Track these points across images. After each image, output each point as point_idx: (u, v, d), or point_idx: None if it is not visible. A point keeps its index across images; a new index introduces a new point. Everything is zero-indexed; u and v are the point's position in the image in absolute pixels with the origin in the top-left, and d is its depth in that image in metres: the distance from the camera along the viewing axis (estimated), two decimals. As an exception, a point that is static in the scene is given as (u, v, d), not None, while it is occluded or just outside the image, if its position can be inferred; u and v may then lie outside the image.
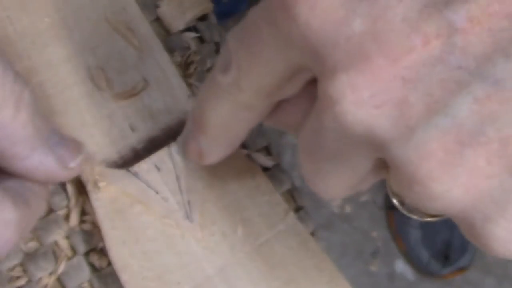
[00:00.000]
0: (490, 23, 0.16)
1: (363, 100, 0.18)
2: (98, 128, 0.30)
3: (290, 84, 0.22)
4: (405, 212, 0.23)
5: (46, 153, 0.25)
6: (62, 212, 0.29)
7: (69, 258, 0.28)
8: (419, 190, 0.18)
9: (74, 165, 0.26)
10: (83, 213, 0.29)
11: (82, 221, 0.29)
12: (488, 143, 0.17)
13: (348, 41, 0.18)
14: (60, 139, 0.26)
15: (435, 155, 0.17)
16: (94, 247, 0.29)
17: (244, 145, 0.31)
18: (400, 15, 0.17)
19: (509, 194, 0.17)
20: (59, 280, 0.28)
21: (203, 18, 0.33)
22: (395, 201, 0.23)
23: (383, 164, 0.20)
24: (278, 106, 0.23)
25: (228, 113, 0.23)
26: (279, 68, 0.21)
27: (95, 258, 0.28)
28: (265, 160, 0.30)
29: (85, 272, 0.28)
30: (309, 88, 0.22)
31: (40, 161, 0.25)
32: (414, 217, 0.23)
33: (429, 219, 0.23)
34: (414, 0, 0.17)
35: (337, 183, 0.22)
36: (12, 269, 0.28)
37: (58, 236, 0.29)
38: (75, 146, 0.26)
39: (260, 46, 0.20)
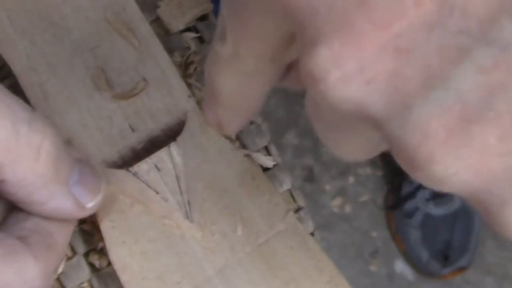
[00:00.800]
0: None
1: (350, 75, 0.16)
2: (98, 128, 0.30)
3: (295, 46, 0.19)
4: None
5: (64, 197, 0.24)
6: (62, 212, 0.29)
7: (69, 258, 0.28)
8: (421, 175, 0.16)
9: (91, 205, 0.25)
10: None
11: (82, 221, 0.29)
12: (498, 118, 0.15)
13: (330, 8, 0.15)
14: (80, 177, 0.25)
15: (437, 135, 0.15)
16: (94, 247, 0.29)
17: (244, 145, 0.31)
18: None
19: None
20: (58, 280, 0.28)
21: (203, 18, 0.33)
22: None
23: None
24: (289, 68, 0.21)
25: (237, 82, 0.22)
26: (273, 34, 0.19)
27: (95, 258, 0.28)
28: (265, 160, 0.30)
29: (85, 272, 0.28)
30: None
31: (58, 206, 0.24)
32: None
33: None
34: None
35: (351, 149, 0.20)
36: (12, 269, 0.28)
37: (58, 236, 0.29)
38: (94, 183, 0.25)
39: (250, 14, 0.19)
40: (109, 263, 0.28)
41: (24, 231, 0.24)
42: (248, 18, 0.19)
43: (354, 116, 0.17)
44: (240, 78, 0.21)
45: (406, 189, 0.97)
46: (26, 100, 0.30)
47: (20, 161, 0.22)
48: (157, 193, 0.28)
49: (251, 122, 0.32)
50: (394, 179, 1.00)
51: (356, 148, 0.20)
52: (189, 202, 0.28)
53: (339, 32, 0.15)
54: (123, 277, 0.27)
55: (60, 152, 0.24)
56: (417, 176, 0.16)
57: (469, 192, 0.16)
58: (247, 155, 0.30)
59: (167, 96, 0.30)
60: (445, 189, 0.16)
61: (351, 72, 0.16)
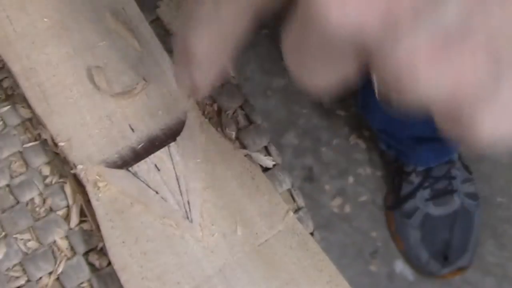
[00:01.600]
0: None
1: None
2: (98, 128, 0.30)
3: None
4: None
5: None
6: (61, 212, 0.29)
7: (69, 258, 0.28)
8: (406, 87, 0.18)
9: None
10: (82, 213, 0.29)
11: (82, 221, 0.29)
12: (475, 35, 0.17)
13: None
14: None
15: (422, 55, 0.17)
16: (94, 247, 0.29)
17: (243, 145, 0.31)
18: None
19: (499, 81, 0.17)
20: (58, 280, 0.28)
21: (203, 18, 0.33)
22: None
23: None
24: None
25: (213, 39, 0.23)
26: None
27: (94, 258, 0.28)
28: (265, 160, 0.30)
29: (85, 272, 0.28)
30: None
31: None
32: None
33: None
34: None
35: (319, 77, 0.21)
36: (11, 269, 0.28)
37: (57, 236, 0.29)
38: None
39: None
40: (109, 263, 0.28)
41: None
42: None
43: (348, 41, 0.18)
44: (216, 35, 0.23)
45: (405, 189, 0.97)
46: (26, 100, 0.30)
47: None
48: (157, 193, 0.28)
49: (251, 122, 0.32)
50: (394, 179, 1.00)
51: (324, 77, 0.21)
52: (189, 202, 0.28)
53: None
54: (123, 277, 0.27)
55: None
56: (401, 88, 0.18)
57: (445, 99, 0.18)
58: (247, 155, 0.30)
59: (167, 96, 0.30)
60: (425, 101, 0.18)
61: None
